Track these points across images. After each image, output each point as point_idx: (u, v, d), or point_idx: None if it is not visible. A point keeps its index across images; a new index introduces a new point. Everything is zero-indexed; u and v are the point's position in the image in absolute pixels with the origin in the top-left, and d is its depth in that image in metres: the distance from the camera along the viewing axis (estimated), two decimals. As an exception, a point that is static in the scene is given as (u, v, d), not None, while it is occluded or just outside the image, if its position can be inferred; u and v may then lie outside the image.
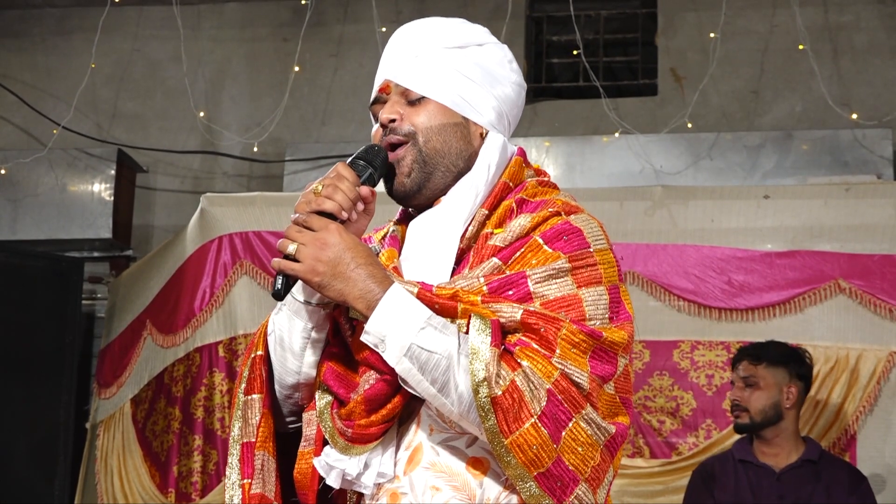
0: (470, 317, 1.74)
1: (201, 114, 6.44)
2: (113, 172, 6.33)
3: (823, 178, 5.46)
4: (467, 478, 1.82)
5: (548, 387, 1.70)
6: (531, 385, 1.70)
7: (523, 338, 1.74)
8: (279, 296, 1.78)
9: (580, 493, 1.72)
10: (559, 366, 1.71)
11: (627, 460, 4.77)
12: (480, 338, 1.71)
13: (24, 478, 5.64)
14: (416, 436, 1.85)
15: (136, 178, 6.59)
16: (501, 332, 1.74)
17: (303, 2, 6.25)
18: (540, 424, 1.69)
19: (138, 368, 5.65)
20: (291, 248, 1.76)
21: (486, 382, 1.69)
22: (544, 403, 1.69)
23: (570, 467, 1.71)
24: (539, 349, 1.72)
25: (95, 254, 6.48)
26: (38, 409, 5.73)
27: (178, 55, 6.34)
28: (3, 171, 6.31)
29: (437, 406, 1.76)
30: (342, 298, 1.76)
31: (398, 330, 1.73)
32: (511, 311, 1.75)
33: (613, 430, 1.76)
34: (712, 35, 5.99)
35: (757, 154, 5.79)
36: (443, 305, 1.76)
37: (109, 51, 6.59)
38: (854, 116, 5.78)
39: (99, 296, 6.40)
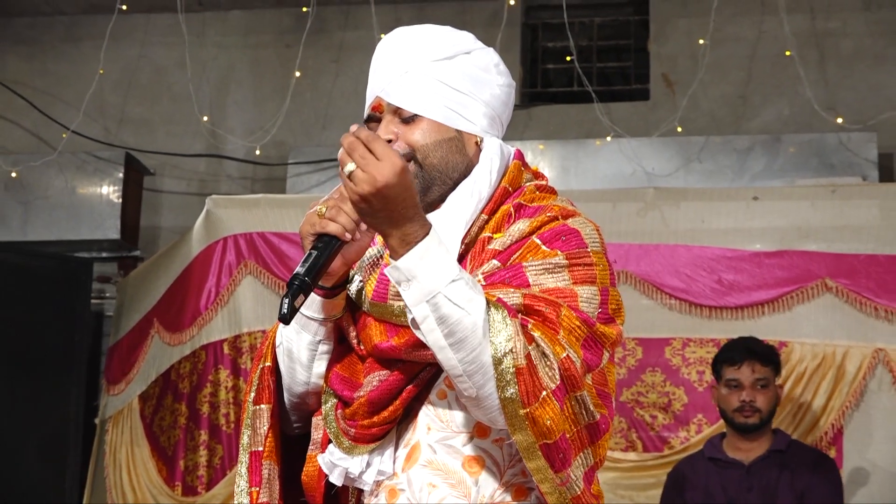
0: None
1: (206, 118, 6.43)
2: (121, 175, 6.32)
3: (810, 180, 5.45)
4: (463, 476, 1.82)
5: (558, 361, 1.69)
6: (545, 359, 1.68)
7: (527, 318, 1.72)
8: (286, 320, 1.72)
9: (575, 465, 1.73)
10: (565, 345, 1.71)
11: (621, 454, 4.77)
12: (498, 309, 1.69)
13: (35, 472, 5.64)
14: (415, 434, 1.85)
15: (144, 180, 6.59)
16: (512, 308, 1.72)
17: (304, 9, 6.24)
18: (553, 398, 1.68)
19: (146, 366, 5.64)
20: (349, 168, 1.69)
21: (511, 353, 1.67)
22: (559, 381, 1.68)
23: (571, 442, 1.71)
24: (545, 327, 1.71)
25: (104, 254, 6.47)
26: (49, 405, 5.73)
27: (183, 61, 6.33)
28: (14, 174, 6.30)
29: (440, 358, 1.70)
30: (379, 230, 1.72)
31: (429, 275, 1.67)
32: (513, 295, 1.74)
33: (598, 418, 1.76)
34: (702, 41, 5.99)
35: (746, 157, 5.79)
36: None
37: (117, 57, 6.58)
38: (840, 120, 5.78)
39: (107, 295, 6.39)
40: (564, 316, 1.72)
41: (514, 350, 1.66)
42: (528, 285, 1.77)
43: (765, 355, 4.12)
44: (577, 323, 1.73)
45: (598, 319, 1.78)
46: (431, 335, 1.68)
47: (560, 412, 1.68)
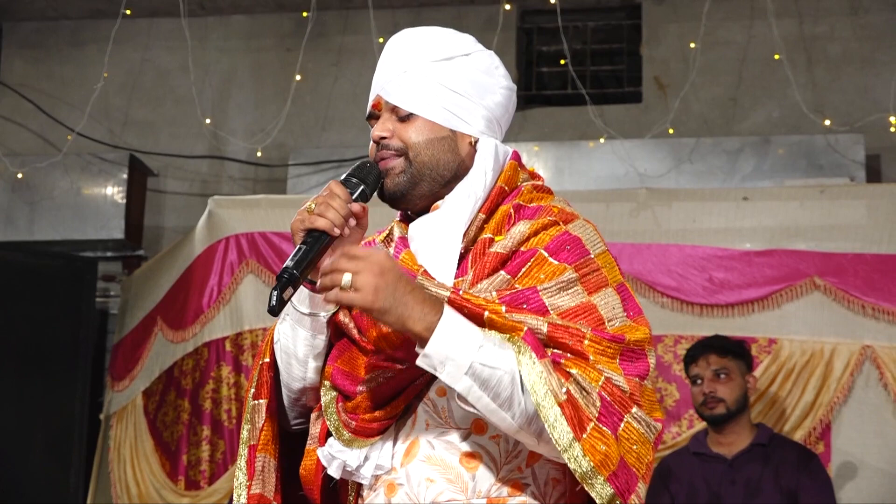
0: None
1: (208, 120, 6.42)
2: (125, 176, 6.32)
3: (799, 181, 5.46)
4: (460, 471, 1.81)
5: (598, 390, 1.69)
6: (583, 391, 1.68)
7: (556, 351, 1.72)
8: (274, 312, 1.73)
9: (640, 490, 1.72)
10: (602, 370, 1.71)
11: (614, 449, 4.76)
12: (524, 353, 1.69)
13: (41, 467, 5.64)
14: (414, 430, 1.84)
15: (147, 181, 6.58)
16: (540, 343, 1.71)
17: (305, 14, 6.24)
18: (601, 425, 1.67)
19: (149, 362, 5.64)
20: (347, 280, 1.67)
21: (550, 394, 1.66)
22: (599, 406, 1.68)
23: (631, 466, 1.70)
24: (577, 359, 1.71)
25: (109, 253, 6.47)
26: (55, 401, 5.73)
27: (186, 65, 6.32)
28: (20, 175, 6.29)
29: (495, 421, 1.71)
30: (401, 323, 1.68)
31: (459, 350, 1.67)
32: (536, 324, 1.73)
33: (659, 427, 1.76)
34: (693, 45, 5.99)
35: (736, 158, 5.79)
36: (470, 311, 1.73)
37: (121, 61, 6.57)
38: (827, 122, 5.78)
39: (112, 293, 6.39)
40: (588, 342, 1.72)
41: (551, 389, 1.66)
42: (546, 309, 1.76)
43: (721, 347, 4.11)
44: (606, 343, 1.73)
45: (628, 318, 1.78)
46: (480, 402, 1.69)
47: (612, 436, 1.67)
